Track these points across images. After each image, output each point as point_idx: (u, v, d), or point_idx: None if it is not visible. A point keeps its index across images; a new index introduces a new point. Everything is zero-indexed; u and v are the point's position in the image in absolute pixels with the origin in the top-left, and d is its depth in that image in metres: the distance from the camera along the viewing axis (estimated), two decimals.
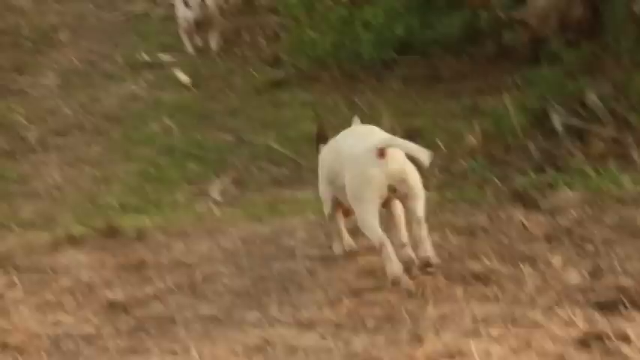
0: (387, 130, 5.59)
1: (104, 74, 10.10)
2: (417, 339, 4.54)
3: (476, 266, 5.27)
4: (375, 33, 9.64)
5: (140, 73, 9.97)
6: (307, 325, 4.79)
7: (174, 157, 7.94)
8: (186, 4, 10.20)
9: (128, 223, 6.38)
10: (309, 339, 4.66)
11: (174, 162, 7.84)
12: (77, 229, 6.31)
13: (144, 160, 7.93)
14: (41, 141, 8.50)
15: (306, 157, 7.67)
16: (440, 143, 7.51)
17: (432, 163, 5.27)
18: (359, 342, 4.58)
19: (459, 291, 5.00)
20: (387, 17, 9.83)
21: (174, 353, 4.63)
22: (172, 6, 10.88)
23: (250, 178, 7.50)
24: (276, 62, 9.90)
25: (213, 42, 10.31)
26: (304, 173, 7.40)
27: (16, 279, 5.65)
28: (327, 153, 5.70)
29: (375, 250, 5.14)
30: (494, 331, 4.56)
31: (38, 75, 10.21)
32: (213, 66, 10.02)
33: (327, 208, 5.66)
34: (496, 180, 6.75)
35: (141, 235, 6.16)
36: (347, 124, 8.11)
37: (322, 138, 5.88)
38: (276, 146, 7.92)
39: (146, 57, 10.32)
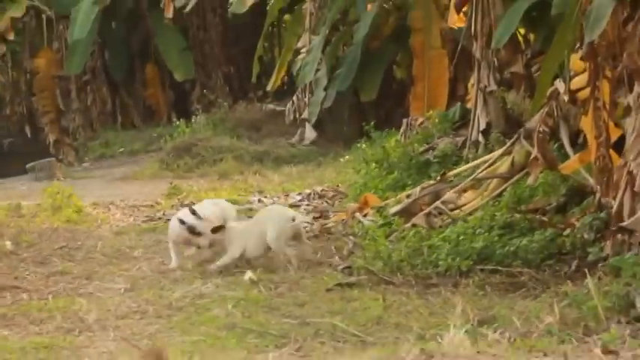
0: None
1: (173, 280, 9.89)
2: None
3: None
4: (453, 245, 9.41)
5: (209, 278, 9.72)
6: None
7: (235, 332, 7.56)
8: None
9: None
10: None
11: (235, 335, 7.46)
12: None
13: (203, 334, 7.56)
14: (99, 322, 8.22)
15: (372, 334, 7.30)
16: (516, 321, 7.04)
17: None
18: None
19: None
20: (465, 234, 9.65)
21: None
22: None
23: (312, 350, 7.04)
24: (349, 272, 9.60)
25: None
26: (369, 347, 6.98)
27: None
28: None
29: None
30: None
31: (107, 281, 10.05)
32: (285, 274, 9.75)
33: None
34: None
35: None
36: (418, 316, 7.81)
37: None
38: (341, 325, 7.48)
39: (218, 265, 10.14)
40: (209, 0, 28.47)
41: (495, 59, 13.74)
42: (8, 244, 11.85)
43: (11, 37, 28.37)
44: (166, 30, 28.13)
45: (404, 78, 22.42)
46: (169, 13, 26.59)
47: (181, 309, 8.58)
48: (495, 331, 6.61)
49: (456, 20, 16.43)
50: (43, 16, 29.29)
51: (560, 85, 10.65)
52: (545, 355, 5.75)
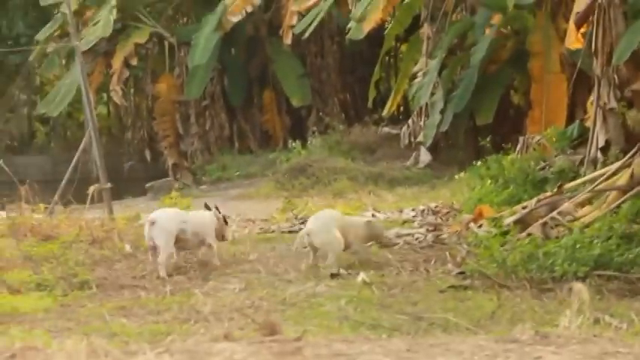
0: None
1: (287, 280, 9.98)
2: None
3: None
4: (570, 252, 9.28)
5: (323, 281, 9.77)
6: None
7: (347, 323, 7.58)
8: None
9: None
10: None
11: (347, 326, 7.48)
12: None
13: (316, 325, 7.58)
14: (214, 314, 8.34)
15: (485, 328, 7.21)
16: (635, 317, 6.89)
17: None
18: None
19: None
20: (582, 243, 9.51)
21: None
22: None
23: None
24: (463, 277, 9.55)
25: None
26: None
27: None
28: None
29: None
30: None
31: (223, 282, 10.20)
32: (397, 277, 9.75)
33: None
34: None
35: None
36: (533, 314, 7.70)
37: None
38: (454, 320, 7.43)
39: (334, 270, 10.17)
40: (327, 27, 28.76)
41: (616, 76, 13.51)
42: (127, 247, 12.15)
43: (134, 62, 29.15)
44: (284, 56, 28.56)
45: (521, 104, 22.24)
46: (288, 40, 26.99)
47: (294, 304, 8.65)
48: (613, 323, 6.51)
49: (573, 41, 16.21)
50: (166, 43, 30.05)
51: None
52: None
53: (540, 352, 5.08)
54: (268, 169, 25.85)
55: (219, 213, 11.54)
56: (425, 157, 21.35)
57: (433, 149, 21.57)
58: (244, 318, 7.78)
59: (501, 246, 10.20)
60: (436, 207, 14.92)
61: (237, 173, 27.12)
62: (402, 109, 28.81)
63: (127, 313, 8.64)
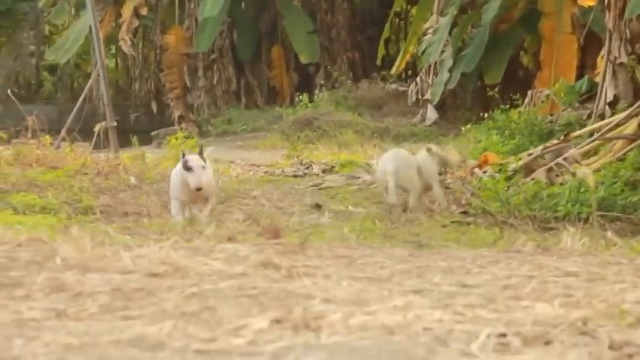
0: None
1: (290, 213, 10.02)
2: None
3: None
4: (574, 193, 9.29)
5: (326, 214, 9.81)
6: None
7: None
8: None
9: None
10: None
11: None
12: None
13: None
14: (217, 235, 8.33)
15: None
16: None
17: None
18: None
19: None
20: (587, 186, 9.51)
21: None
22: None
23: None
24: (466, 216, 9.58)
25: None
26: None
27: None
28: None
29: None
30: None
31: (227, 213, 10.23)
32: (399, 214, 9.78)
33: None
34: None
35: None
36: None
37: None
38: (454, 246, 7.45)
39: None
40: None
41: (627, 31, 13.46)
42: (132, 179, 12.20)
43: (144, 12, 29.11)
44: (294, 12, 28.50)
45: (530, 65, 22.20)
46: None
47: (298, 231, 8.66)
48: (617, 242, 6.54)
49: None
50: None
51: None
52: None
53: (542, 260, 5.11)
54: (274, 123, 25.82)
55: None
56: (432, 114, 21.33)
57: (440, 107, 21.55)
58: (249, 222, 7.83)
59: (506, 189, 10.24)
60: None
61: (243, 127, 27.12)
62: (410, 70, 28.75)
63: (130, 233, 8.67)
